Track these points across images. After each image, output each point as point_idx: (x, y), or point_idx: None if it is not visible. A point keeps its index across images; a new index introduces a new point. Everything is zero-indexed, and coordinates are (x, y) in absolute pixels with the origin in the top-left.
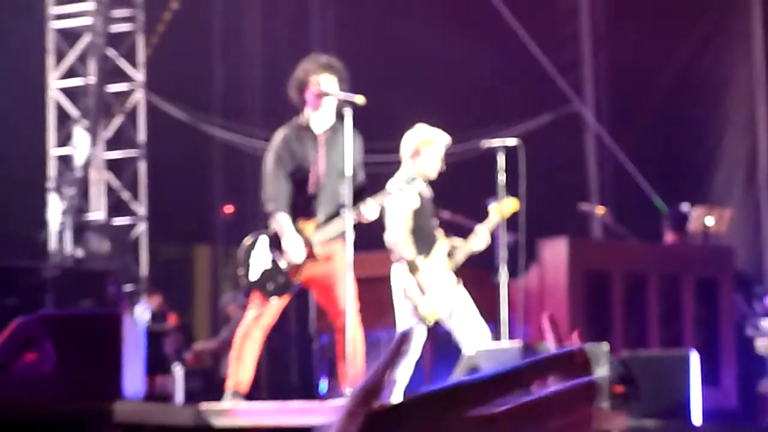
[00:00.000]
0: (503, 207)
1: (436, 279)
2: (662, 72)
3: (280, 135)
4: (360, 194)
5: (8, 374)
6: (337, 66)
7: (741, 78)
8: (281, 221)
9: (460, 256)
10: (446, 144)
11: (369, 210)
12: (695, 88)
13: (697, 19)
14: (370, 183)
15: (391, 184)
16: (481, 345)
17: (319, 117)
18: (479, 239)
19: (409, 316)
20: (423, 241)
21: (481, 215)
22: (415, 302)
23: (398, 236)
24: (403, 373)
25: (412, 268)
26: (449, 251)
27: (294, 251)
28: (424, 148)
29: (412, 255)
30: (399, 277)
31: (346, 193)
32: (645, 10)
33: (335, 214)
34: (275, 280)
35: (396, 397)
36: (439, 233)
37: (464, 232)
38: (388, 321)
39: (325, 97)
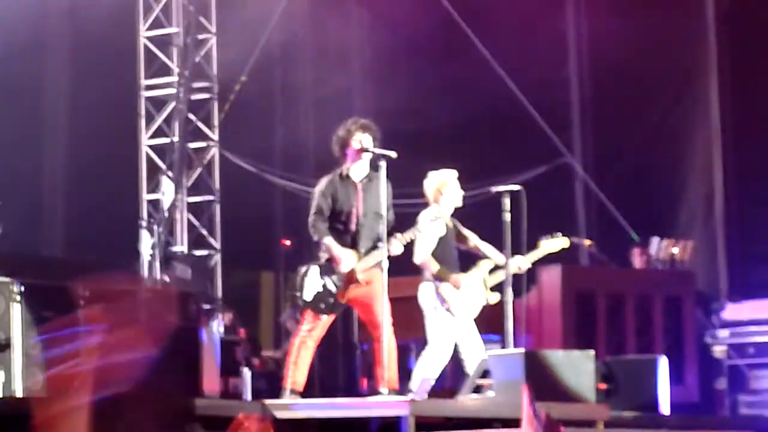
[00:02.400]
0: (553, 243)
1: (465, 291)
2: (637, 131)
3: (324, 181)
4: (391, 231)
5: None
6: (372, 127)
7: (701, 132)
8: (329, 242)
9: (496, 278)
10: (456, 177)
11: (394, 247)
12: (664, 143)
13: (666, 86)
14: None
15: (421, 221)
16: (488, 352)
17: (356, 168)
18: (515, 266)
19: (439, 321)
20: (446, 263)
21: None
22: (447, 302)
23: (424, 256)
24: (432, 373)
25: (442, 275)
26: (491, 269)
27: (345, 261)
28: (445, 188)
29: (437, 268)
30: (426, 293)
31: (382, 229)
32: (621, 80)
33: (373, 247)
34: (326, 301)
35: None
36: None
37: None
38: (416, 333)
39: (364, 153)
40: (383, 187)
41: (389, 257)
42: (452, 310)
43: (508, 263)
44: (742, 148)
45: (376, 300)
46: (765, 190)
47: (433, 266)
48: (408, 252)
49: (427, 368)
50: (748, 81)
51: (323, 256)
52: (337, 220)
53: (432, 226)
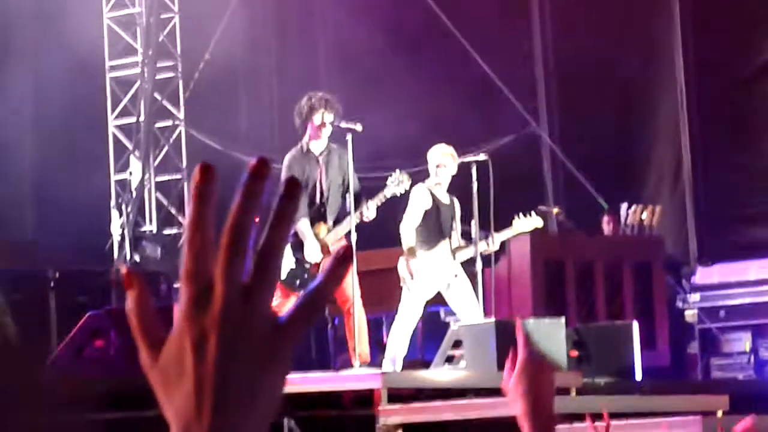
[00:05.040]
0: (526, 223)
1: (431, 269)
2: (603, 97)
3: (288, 159)
4: (359, 199)
5: (81, 357)
6: (336, 104)
7: (667, 98)
8: (302, 228)
9: (463, 256)
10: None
11: (369, 211)
12: (630, 109)
13: (631, 53)
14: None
15: (418, 186)
16: (458, 323)
17: (316, 142)
18: (489, 245)
19: (403, 297)
20: (428, 237)
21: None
22: (405, 282)
23: (404, 227)
24: (402, 344)
25: (409, 252)
26: (454, 249)
27: (313, 253)
28: (447, 159)
29: (410, 243)
30: (400, 266)
31: (349, 200)
32: (586, 48)
33: (342, 218)
34: (300, 276)
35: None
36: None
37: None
38: (388, 306)
39: (324, 128)
40: (350, 160)
41: (364, 224)
42: (414, 287)
43: (476, 234)
44: (708, 110)
45: None
46: (732, 152)
47: (407, 240)
48: (377, 224)
49: (395, 340)
50: (713, 44)
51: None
52: (306, 195)
53: (413, 198)
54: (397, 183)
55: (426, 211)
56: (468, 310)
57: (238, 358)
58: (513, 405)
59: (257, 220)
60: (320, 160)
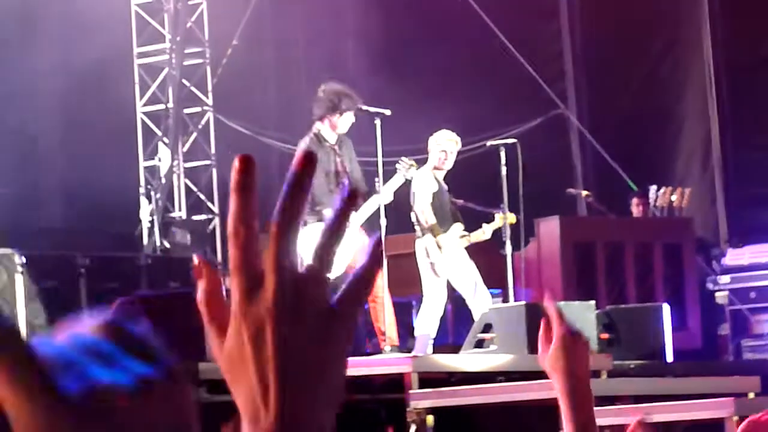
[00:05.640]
0: (506, 217)
1: (450, 249)
2: (631, 78)
3: (303, 144)
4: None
5: None
6: (357, 100)
7: (695, 79)
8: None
9: (466, 243)
10: (448, 138)
11: (384, 196)
12: (658, 91)
13: (657, 34)
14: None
15: (422, 170)
16: (491, 304)
17: (330, 132)
18: (484, 234)
19: (431, 278)
20: (440, 219)
21: (489, 204)
22: (434, 259)
23: (423, 206)
24: (430, 328)
25: (435, 230)
26: (461, 234)
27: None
28: (452, 146)
29: (433, 220)
30: (421, 247)
31: (380, 185)
32: (613, 30)
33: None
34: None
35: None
36: (455, 217)
37: (475, 215)
38: (415, 289)
39: (343, 126)
40: (379, 146)
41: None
42: (437, 268)
43: (506, 216)
44: (737, 91)
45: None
46: (761, 133)
47: (431, 217)
48: (399, 210)
49: (424, 324)
50: (740, 25)
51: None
52: (325, 183)
53: (421, 181)
54: (407, 168)
55: (434, 194)
56: (479, 295)
57: (295, 345)
58: (551, 380)
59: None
60: (336, 150)
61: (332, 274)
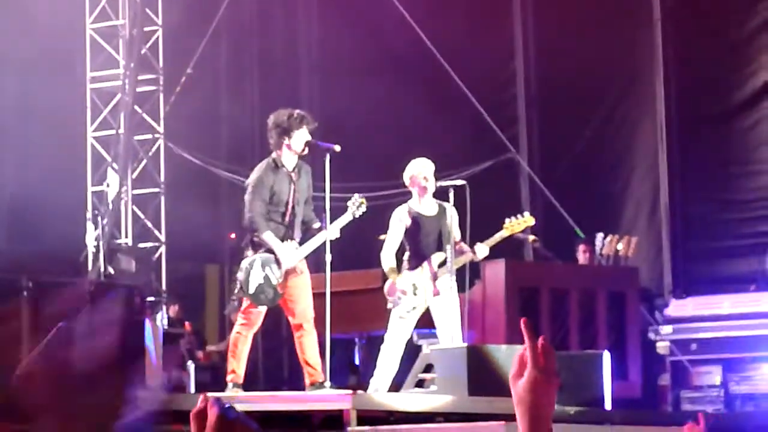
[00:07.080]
0: (517, 223)
1: (417, 285)
2: (583, 125)
3: (258, 172)
4: (312, 219)
5: None
6: (311, 121)
7: (647, 129)
8: (267, 238)
9: (452, 267)
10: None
11: (332, 232)
12: (610, 139)
13: (612, 82)
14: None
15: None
16: (437, 345)
17: (288, 157)
18: (476, 254)
19: (396, 320)
20: (410, 256)
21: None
22: (393, 303)
23: (383, 252)
24: (389, 368)
25: (390, 272)
26: (441, 262)
27: (288, 257)
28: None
29: (391, 264)
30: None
31: (327, 218)
32: (569, 76)
33: (308, 237)
34: (266, 293)
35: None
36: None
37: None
38: (360, 327)
39: (299, 148)
40: (327, 180)
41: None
42: (398, 309)
43: (449, 257)
44: (687, 144)
45: (308, 290)
46: (709, 186)
47: (386, 263)
48: (352, 246)
49: (382, 363)
50: (694, 79)
51: (264, 247)
52: (274, 210)
53: (392, 222)
54: (357, 206)
55: (407, 229)
56: (446, 333)
57: None
58: (517, 405)
59: (233, 236)
60: (293, 177)
61: (270, 287)
